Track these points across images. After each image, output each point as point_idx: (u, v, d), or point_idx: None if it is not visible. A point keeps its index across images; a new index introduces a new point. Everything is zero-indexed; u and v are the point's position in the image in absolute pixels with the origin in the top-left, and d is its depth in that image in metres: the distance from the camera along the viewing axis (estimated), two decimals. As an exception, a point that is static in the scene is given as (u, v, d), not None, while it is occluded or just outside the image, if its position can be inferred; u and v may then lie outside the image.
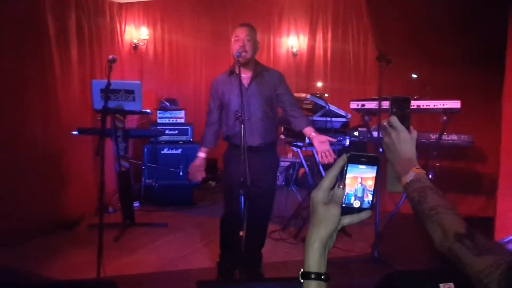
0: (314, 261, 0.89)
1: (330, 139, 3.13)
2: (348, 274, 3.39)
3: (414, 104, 3.83)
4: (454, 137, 4.20)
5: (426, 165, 3.88)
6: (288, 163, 6.52)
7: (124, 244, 4.16)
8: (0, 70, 3.97)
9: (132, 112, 4.72)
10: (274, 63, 7.13)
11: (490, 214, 3.81)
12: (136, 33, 6.37)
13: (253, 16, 6.89)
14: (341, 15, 6.74)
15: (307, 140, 4.24)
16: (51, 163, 4.42)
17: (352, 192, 0.91)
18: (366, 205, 0.92)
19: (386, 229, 4.05)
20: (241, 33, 3.12)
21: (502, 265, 0.81)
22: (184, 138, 5.75)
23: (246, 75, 3.16)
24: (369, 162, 0.91)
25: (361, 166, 0.91)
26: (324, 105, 4.22)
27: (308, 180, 4.75)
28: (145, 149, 5.54)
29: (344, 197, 0.91)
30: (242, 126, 2.76)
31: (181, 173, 5.50)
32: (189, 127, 5.79)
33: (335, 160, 3.96)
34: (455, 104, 3.76)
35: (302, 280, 0.89)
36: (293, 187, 5.10)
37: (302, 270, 0.90)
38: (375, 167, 0.92)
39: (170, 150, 5.59)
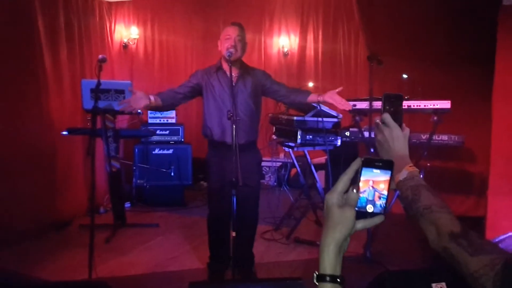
0: (330, 263, 0.88)
1: (337, 90, 3.14)
2: (340, 274, 3.39)
3: (405, 104, 3.83)
4: (444, 137, 4.23)
5: (417, 165, 3.85)
6: (280, 163, 6.52)
7: (116, 245, 4.13)
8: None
9: (123, 112, 4.69)
10: (266, 63, 7.14)
11: (481, 214, 3.84)
12: (126, 32, 6.32)
13: (244, 16, 6.88)
14: (331, 15, 6.76)
15: (298, 140, 4.25)
16: (41, 163, 4.37)
17: (364, 196, 0.91)
18: (379, 209, 0.91)
19: (378, 229, 4.06)
20: (232, 32, 3.12)
21: (497, 265, 0.82)
22: (175, 138, 5.72)
23: (233, 74, 3.16)
24: (383, 166, 0.91)
25: (375, 170, 0.91)
26: (315, 105, 4.22)
27: (300, 180, 4.75)
28: (136, 149, 5.50)
29: (359, 200, 0.91)
30: (234, 126, 2.76)
31: (172, 174, 5.48)
32: (180, 127, 5.77)
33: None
34: (446, 104, 3.79)
35: (317, 283, 0.89)
36: (285, 187, 5.09)
37: (317, 273, 0.89)
38: (389, 172, 0.91)
39: (161, 150, 5.56)
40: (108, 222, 4.54)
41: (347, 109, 3.14)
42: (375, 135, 1.18)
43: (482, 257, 0.85)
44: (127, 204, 5.29)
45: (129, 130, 5.58)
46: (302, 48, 7.01)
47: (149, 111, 5.73)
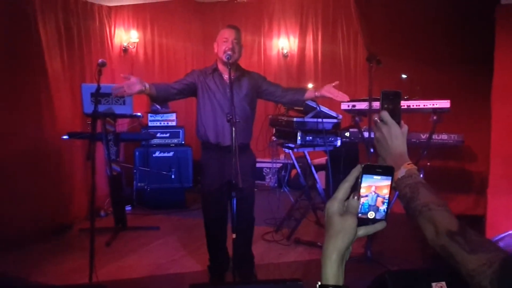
0: (332, 273, 0.86)
1: (333, 84, 3.20)
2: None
3: (404, 104, 3.84)
4: (444, 136, 4.23)
5: (416, 165, 3.87)
6: (280, 164, 6.52)
7: (116, 248, 4.14)
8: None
9: (123, 116, 4.71)
10: (265, 65, 7.15)
11: (480, 213, 3.84)
12: (126, 36, 6.33)
13: (243, 18, 6.91)
14: (330, 17, 6.77)
15: (298, 142, 4.25)
16: (42, 167, 4.38)
17: (366, 202, 0.90)
18: (381, 215, 0.90)
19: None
20: (229, 35, 3.13)
21: (494, 263, 0.82)
22: (175, 141, 5.73)
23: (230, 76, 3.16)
24: (383, 172, 0.90)
25: (375, 177, 0.90)
26: (315, 106, 4.23)
27: (300, 181, 4.75)
28: (137, 153, 5.51)
29: (361, 206, 0.90)
30: (234, 128, 2.77)
31: (173, 176, 5.49)
32: (180, 130, 5.77)
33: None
34: (445, 103, 3.78)
35: None
36: (285, 189, 5.09)
37: (319, 283, 0.87)
38: (390, 177, 0.90)
39: (162, 153, 5.57)
40: (108, 226, 4.56)
41: (345, 100, 3.19)
42: (373, 133, 1.17)
43: (480, 255, 0.84)
44: (128, 207, 5.29)
45: (129, 134, 5.59)
46: (302, 49, 7.02)
47: (149, 114, 5.74)
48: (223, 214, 3.26)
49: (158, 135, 5.65)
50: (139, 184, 5.50)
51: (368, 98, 3.74)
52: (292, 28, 7.07)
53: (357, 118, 4.01)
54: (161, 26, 6.73)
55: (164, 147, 5.64)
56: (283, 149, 4.79)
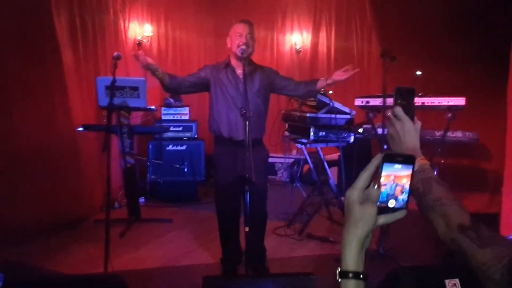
0: (352, 260, 0.88)
1: (344, 69, 3.25)
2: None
3: (418, 101, 3.82)
4: (459, 134, 4.20)
5: (431, 162, 3.87)
6: (293, 159, 6.53)
7: (130, 239, 4.19)
8: (5, 68, 3.98)
9: (137, 109, 4.74)
10: (278, 60, 7.15)
11: (495, 211, 3.81)
12: (140, 30, 6.36)
13: (257, 13, 6.89)
14: (344, 12, 6.74)
15: (311, 137, 4.25)
16: (56, 160, 4.43)
17: (385, 191, 0.90)
18: (400, 204, 0.90)
19: (392, 225, 4.05)
20: (243, 30, 3.14)
21: (505, 257, 0.82)
22: (188, 134, 5.77)
23: (241, 71, 3.17)
24: (404, 161, 0.90)
25: (396, 165, 0.90)
26: (328, 102, 4.23)
27: (312, 176, 4.76)
28: (150, 146, 5.56)
29: (380, 195, 0.90)
30: (248, 122, 2.78)
31: (185, 170, 5.53)
32: (193, 124, 5.81)
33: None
34: (460, 101, 3.76)
35: (339, 280, 0.89)
36: (297, 184, 5.10)
37: (339, 269, 0.89)
38: (411, 166, 0.90)
39: (175, 146, 5.61)
40: (122, 217, 4.61)
41: (349, 73, 3.22)
42: (386, 128, 1.18)
43: (490, 249, 0.85)
44: (141, 200, 5.34)
45: (143, 127, 5.63)
46: (315, 45, 7.00)
47: (162, 108, 5.78)
48: (236, 208, 3.29)
49: (171, 128, 5.69)
50: (152, 177, 5.55)
51: (382, 94, 3.73)
52: (305, 24, 7.06)
53: (370, 114, 4.00)
54: (175, 20, 6.76)
55: (177, 140, 5.68)
56: (296, 144, 4.79)
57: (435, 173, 4.27)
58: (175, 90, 3.41)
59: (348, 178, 4.27)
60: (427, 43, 4.80)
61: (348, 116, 4.39)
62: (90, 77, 4.93)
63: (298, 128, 4.49)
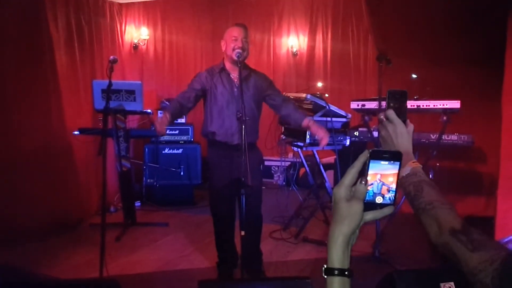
0: (338, 257, 0.88)
1: (323, 142, 3.26)
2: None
3: (414, 104, 3.83)
4: (454, 137, 4.21)
5: (426, 165, 3.89)
6: (289, 163, 6.53)
7: (126, 243, 4.18)
8: (1, 71, 3.98)
9: (133, 112, 4.73)
10: (274, 63, 7.15)
11: (490, 214, 3.82)
12: (136, 33, 6.37)
13: (253, 16, 6.91)
14: (340, 15, 6.75)
15: (307, 140, 4.26)
16: (51, 163, 4.42)
17: (372, 190, 0.90)
18: (387, 201, 0.91)
19: (387, 229, 4.06)
20: (239, 34, 3.15)
21: (496, 261, 0.82)
22: (185, 138, 5.76)
23: (237, 75, 3.18)
24: (391, 158, 0.90)
25: (383, 162, 0.90)
26: (324, 105, 4.23)
27: (309, 180, 4.76)
28: (146, 149, 5.56)
29: (367, 193, 0.90)
30: (244, 126, 2.78)
31: (182, 173, 5.52)
32: (189, 127, 5.80)
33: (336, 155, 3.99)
34: (455, 104, 3.77)
35: (325, 276, 0.89)
36: (293, 187, 5.11)
37: (325, 266, 0.89)
38: (398, 163, 0.90)
39: (171, 150, 5.61)
40: (118, 221, 4.60)
41: (323, 143, 3.26)
42: (379, 131, 1.18)
43: (482, 253, 0.85)
44: (137, 203, 5.33)
45: (139, 130, 5.63)
46: (311, 48, 7.01)
47: (159, 111, 5.77)
48: (231, 212, 3.29)
49: (168, 132, 5.68)
50: (148, 180, 5.54)
51: (377, 97, 3.74)
52: (302, 27, 7.07)
53: (366, 117, 4.01)
54: (172, 23, 6.77)
55: (173, 144, 5.68)
56: (292, 147, 4.79)
57: (431, 176, 4.27)
58: (181, 117, 3.43)
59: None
60: (423, 45, 4.81)
61: (344, 119, 4.40)
62: (86, 80, 4.93)
63: (294, 131, 4.49)
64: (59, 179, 4.51)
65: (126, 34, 6.19)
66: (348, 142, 4.41)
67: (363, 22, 6.36)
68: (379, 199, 0.91)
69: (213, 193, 3.34)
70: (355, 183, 0.91)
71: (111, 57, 3.37)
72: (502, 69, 3.37)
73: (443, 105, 3.81)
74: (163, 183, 5.53)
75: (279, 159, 6.15)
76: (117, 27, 5.85)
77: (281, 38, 7.17)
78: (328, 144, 4.34)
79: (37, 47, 4.34)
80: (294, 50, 7.07)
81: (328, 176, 4.79)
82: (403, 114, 1.13)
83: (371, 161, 0.90)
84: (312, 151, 4.57)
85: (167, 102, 5.86)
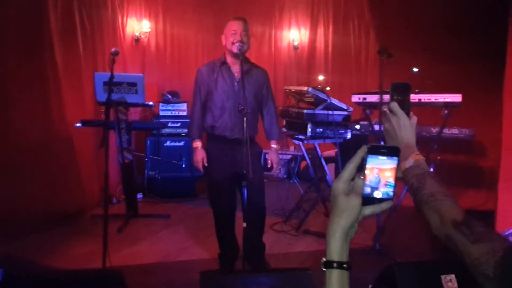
0: (336, 250, 0.90)
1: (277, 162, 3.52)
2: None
3: (415, 97, 3.84)
4: (455, 130, 4.23)
5: (427, 159, 3.89)
6: (290, 156, 6.55)
7: (128, 234, 4.20)
8: (3, 64, 3.98)
9: (135, 105, 4.74)
10: (276, 56, 7.15)
11: (491, 207, 3.84)
12: (138, 26, 6.35)
13: (255, 9, 6.89)
14: (342, 9, 6.74)
15: (308, 133, 4.27)
16: (53, 156, 4.43)
17: (371, 182, 0.91)
18: (386, 195, 0.92)
19: (388, 221, 4.08)
20: (238, 27, 3.15)
21: (498, 252, 0.82)
22: (186, 130, 5.77)
23: (238, 69, 3.18)
24: (389, 153, 0.91)
25: (381, 157, 0.91)
26: (325, 98, 4.24)
27: (310, 172, 4.78)
28: (148, 142, 5.57)
29: (365, 187, 0.91)
30: (245, 119, 2.79)
31: (183, 165, 5.54)
32: (191, 120, 5.80)
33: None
34: (456, 97, 3.78)
35: (324, 269, 0.90)
36: (295, 180, 5.12)
37: (324, 259, 0.91)
38: (396, 158, 0.91)
39: (173, 142, 5.62)
40: (120, 213, 4.62)
41: (273, 169, 3.51)
42: (382, 123, 1.19)
43: (484, 245, 0.85)
44: (139, 195, 5.36)
45: (141, 122, 5.64)
46: (312, 41, 7.01)
47: (160, 104, 5.78)
48: (231, 206, 3.31)
49: (169, 124, 5.70)
50: (150, 173, 5.56)
51: (378, 91, 3.75)
52: (303, 20, 7.06)
53: (367, 111, 4.02)
54: (173, 16, 6.75)
55: (175, 136, 5.69)
56: (293, 140, 4.81)
57: (431, 169, 4.28)
58: None
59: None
60: (424, 40, 4.82)
61: (345, 113, 4.41)
62: (88, 72, 4.93)
63: (295, 124, 4.50)
64: (61, 171, 4.52)
65: (128, 27, 6.17)
66: (349, 135, 4.42)
67: (364, 16, 6.36)
68: (377, 194, 0.92)
69: (212, 187, 3.35)
70: (353, 178, 0.93)
71: (113, 49, 3.38)
72: (503, 64, 3.37)
73: (444, 98, 3.82)
74: (164, 175, 5.55)
75: (280, 152, 6.17)
76: (118, 20, 5.83)
77: (282, 31, 7.17)
78: (329, 138, 4.38)
79: (38, 41, 4.33)
80: (296, 43, 7.07)
81: (329, 169, 4.81)
82: (407, 106, 1.14)
83: (369, 156, 0.91)
84: (314, 144, 4.59)
85: (168, 95, 5.86)
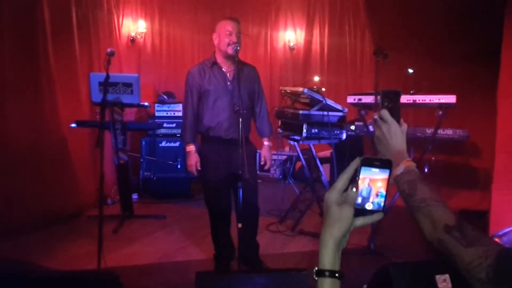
0: (328, 259, 0.91)
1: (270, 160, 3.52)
2: (344, 266, 3.42)
3: (410, 98, 3.85)
4: (449, 131, 4.24)
5: (421, 159, 3.92)
6: (285, 156, 6.56)
7: (123, 235, 4.19)
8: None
9: (130, 105, 4.73)
10: (271, 57, 7.16)
11: (485, 208, 3.86)
12: (134, 26, 6.34)
13: (250, 10, 6.90)
14: (338, 10, 6.76)
15: (304, 134, 4.28)
16: (48, 156, 4.41)
17: (363, 194, 0.93)
18: (377, 207, 0.93)
19: (383, 222, 4.09)
20: (232, 28, 3.15)
21: (490, 256, 0.84)
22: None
23: (229, 69, 3.19)
24: (382, 165, 0.93)
25: (374, 169, 0.93)
26: (321, 99, 4.25)
27: (305, 173, 4.79)
28: (143, 142, 5.56)
29: (357, 198, 0.93)
30: (240, 119, 2.80)
31: (179, 166, 5.53)
32: (186, 120, 5.80)
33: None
34: (451, 98, 3.79)
35: (316, 278, 0.92)
36: (290, 180, 5.12)
37: (316, 268, 0.92)
38: (388, 170, 0.93)
39: (168, 143, 5.62)
40: (115, 213, 4.61)
41: (266, 167, 3.52)
42: (374, 131, 1.20)
43: (476, 249, 0.87)
44: (135, 196, 5.35)
45: (136, 123, 5.64)
46: (308, 42, 7.02)
47: (156, 104, 5.78)
48: (227, 206, 3.31)
49: (165, 125, 5.69)
50: (145, 173, 5.55)
51: (374, 91, 3.76)
52: (299, 21, 7.07)
53: (362, 112, 4.02)
54: (169, 17, 6.74)
55: (170, 137, 5.68)
56: (289, 141, 4.81)
57: (426, 170, 4.30)
58: None
59: (340, 174, 4.29)
60: (419, 41, 4.84)
61: (340, 114, 4.42)
62: (83, 73, 4.91)
63: (291, 125, 4.50)
64: (55, 171, 4.51)
65: (123, 27, 6.16)
66: (344, 136, 4.43)
67: (360, 17, 6.38)
68: (369, 206, 0.93)
69: (208, 188, 3.34)
70: (346, 189, 0.94)
71: (109, 49, 3.38)
72: (497, 65, 3.39)
73: (439, 99, 3.83)
74: (160, 176, 5.55)
75: (275, 152, 6.17)
76: (114, 20, 5.82)
77: (278, 32, 7.18)
78: (324, 138, 4.39)
79: (32, 41, 4.30)
80: (291, 44, 7.08)
81: (324, 169, 4.82)
82: (397, 113, 1.15)
83: (362, 167, 0.93)
84: (309, 144, 4.60)
85: (164, 96, 5.86)
